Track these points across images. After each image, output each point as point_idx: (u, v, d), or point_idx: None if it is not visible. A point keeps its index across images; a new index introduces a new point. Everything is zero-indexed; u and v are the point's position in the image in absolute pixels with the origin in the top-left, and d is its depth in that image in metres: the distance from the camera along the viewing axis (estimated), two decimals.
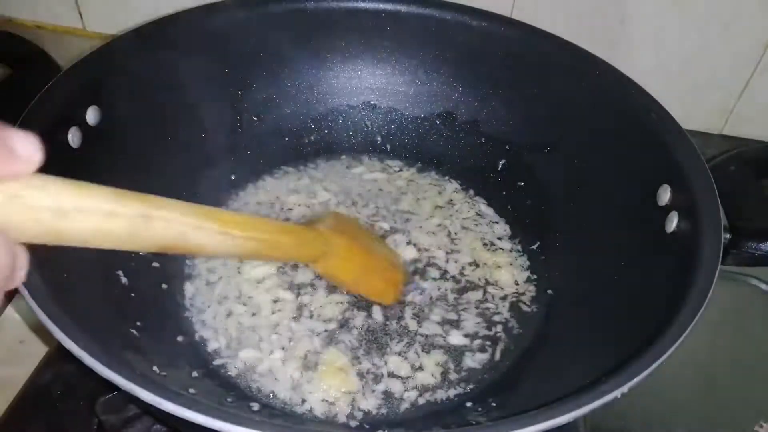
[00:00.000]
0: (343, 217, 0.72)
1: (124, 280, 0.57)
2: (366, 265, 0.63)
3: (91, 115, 0.58)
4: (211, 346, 0.60)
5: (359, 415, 0.57)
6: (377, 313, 0.64)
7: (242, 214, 0.57)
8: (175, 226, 0.40)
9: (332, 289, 0.66)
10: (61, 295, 0.42)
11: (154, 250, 0.39)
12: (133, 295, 0.57)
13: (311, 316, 0.63)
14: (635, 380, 0.41)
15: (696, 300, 0.45)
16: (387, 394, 0.58)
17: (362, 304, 0.65)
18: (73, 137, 0.56)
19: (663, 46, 0.83)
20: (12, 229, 0.30)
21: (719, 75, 0.84)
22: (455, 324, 0.64)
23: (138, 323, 0.55)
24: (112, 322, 0.52)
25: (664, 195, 0.56)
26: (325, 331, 0.62)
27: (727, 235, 0.54)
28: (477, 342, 0.63)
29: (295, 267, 0.67)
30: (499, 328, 0.64)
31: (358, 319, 0.64)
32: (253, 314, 0.63)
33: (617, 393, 0.40)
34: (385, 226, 0.73)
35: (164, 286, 0.63)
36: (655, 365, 0.41)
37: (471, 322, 0.64)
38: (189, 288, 0.64)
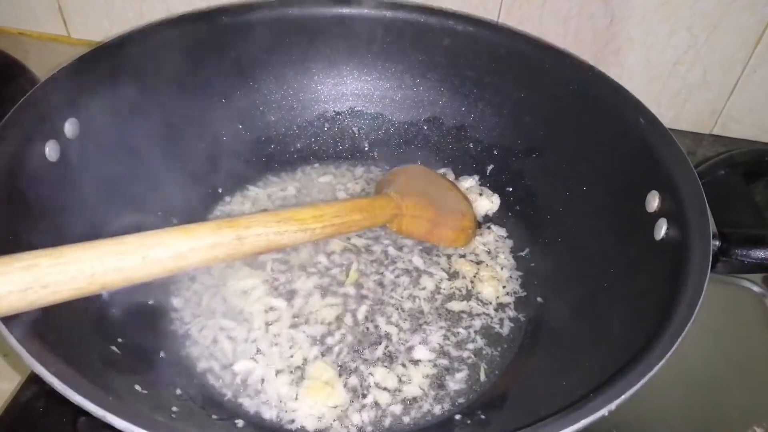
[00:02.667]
0: (415, 170, 0.75)
1: (104, 295, 0.55)
2: (435, 219, 0.68)
3: (69, 128, 0.57)
4: (195, 360, 0.59)
5: (350, 429, 0.56)
6: (364, 317, 0.63)
7: (317, 206, 0.59)
8: (263, 236, 0.51)
9: (325, 292, 0.65)
10: (34, 314, 0.40)
11: (252, 256, 0.57)
12: (114, 311, 0.56)
13: (307, 322, 0.62)
14: (624, 396, 0.40)
15: (685, 312, 0.44)
16: (375, 407, 0.57)
17: (353, 307, 0.64)
18: (51, 151, 0.54)
19: (652, 47, 0.83)
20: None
21: (709, 75, 0.83)
22: (437, 335, 0.63)
23: (119, 340, 0.54)
24: (90, 341, 0.51)
25: (653, 201, 0.55)
26: (322, 336, 0.61)
27: (717, 243, 0.53)
28: (464, 353, 0.62)
29: (284, 273, 0.66)
30: (487, 339, 0.63)
31: (349, 324, 0.63)
32: (241, 325, 0.62)
33: (605, 411, 0.39)
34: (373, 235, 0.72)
35: (150, 302, 0.62)
36: (643, 381, 0.41)
37: (459, 331, 0.63)
38: (175, 302, 0.63)
